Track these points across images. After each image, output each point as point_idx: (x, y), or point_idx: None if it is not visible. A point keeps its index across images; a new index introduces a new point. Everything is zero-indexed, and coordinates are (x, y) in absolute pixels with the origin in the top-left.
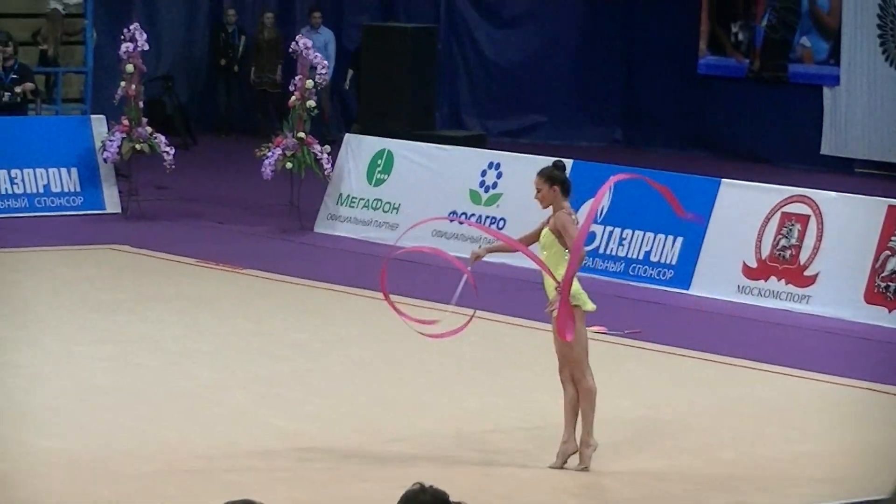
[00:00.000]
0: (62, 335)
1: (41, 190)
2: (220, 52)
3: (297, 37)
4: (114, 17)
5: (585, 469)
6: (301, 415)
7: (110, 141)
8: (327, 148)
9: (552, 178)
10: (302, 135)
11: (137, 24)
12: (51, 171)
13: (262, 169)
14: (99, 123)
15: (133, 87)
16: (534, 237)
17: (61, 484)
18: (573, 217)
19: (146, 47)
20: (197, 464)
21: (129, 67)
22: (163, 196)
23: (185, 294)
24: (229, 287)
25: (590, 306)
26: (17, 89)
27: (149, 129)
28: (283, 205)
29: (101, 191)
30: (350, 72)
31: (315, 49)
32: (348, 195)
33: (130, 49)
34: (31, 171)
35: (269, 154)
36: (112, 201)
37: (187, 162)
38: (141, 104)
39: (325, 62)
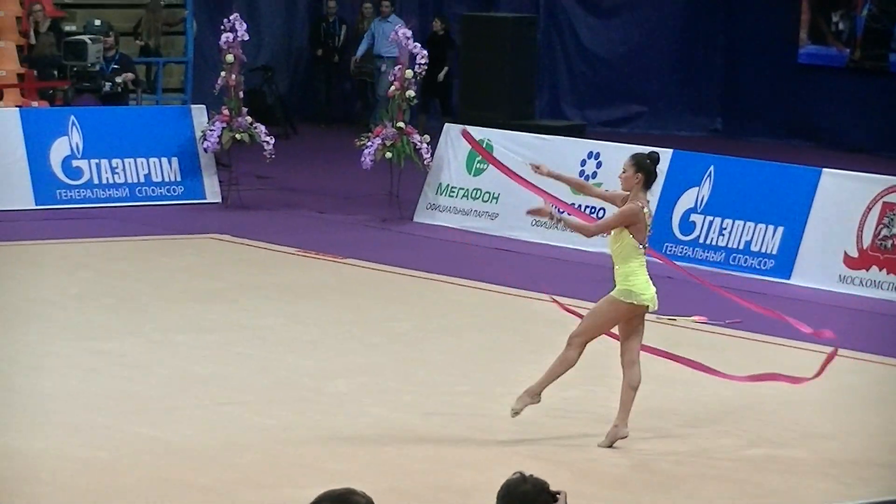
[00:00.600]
0: (164, 324)
1: (142, 179)
2: (319, 43)
3: (396, 26)
4: (214, 8)
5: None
6: (401, 404)
7: (210, 131)
8: (426, 138)
9: (639, 165)
10: (401, 124)
11: (237, 14)
12: (151, 160)
13: (362, 159)
14: (199, 113)
15: (233, 77)
16: (607, 197)
17: (162, 472)
18: (641, 212)
19: (246, 37)
20: (297, 452)
21: (230, 57)
22: (263, 186)
23: (285, 284)
24: (329, 277)
25: (646, 302)
26: (119, 79)
27: (249, 118)
28: (383, 194)
29: (202, 180)
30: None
31: (384, 38)
32: (448, 185)
33: (230, 39)
34: (132, 160)
35: (369, 144)
36: (212, 191)
37: (287, 152)
38: (241, 94)
39: (425, 52)
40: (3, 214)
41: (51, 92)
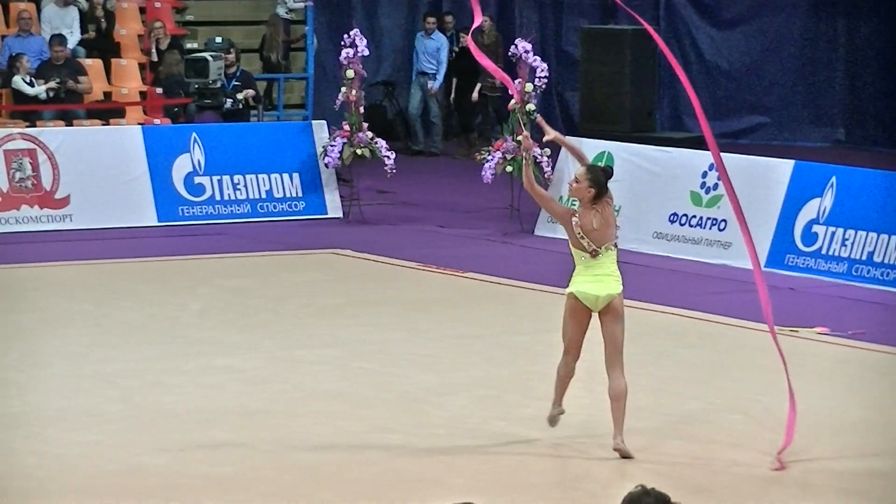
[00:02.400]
0: (284, 340)
1: (263, 195)
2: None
3: (517, 40)
4: (334, 24)
5: None
6: (522, 417)
7: (331, 146)
8: (547, 151)
9: (596, 182)
10: (521, 138)
11: (357, 30)
12: (273, 176)
13: (483, 172)
14: (320, 129)
15: (353, 92)
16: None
17: (283, 487)
18: (571, 219)
19: (366, 53)
20: (418, 467)
21: (350, 73)
22: (384, 200)
23: (407, 298)
24: (450, 291)
25: (581, 295)
26: (240, 96)
27: (369, 134)
28: (504, 208)
29: (323, 196)
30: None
31: (427, 55)
32: (568, 198)
33: (351, 55)
34: (253, 176)
35: (490, 158)
36: (334, 206)
37: (407, 166)
38: (361, 109)
39: (545, 66)
40: (126, 231)
41: (175, 109)
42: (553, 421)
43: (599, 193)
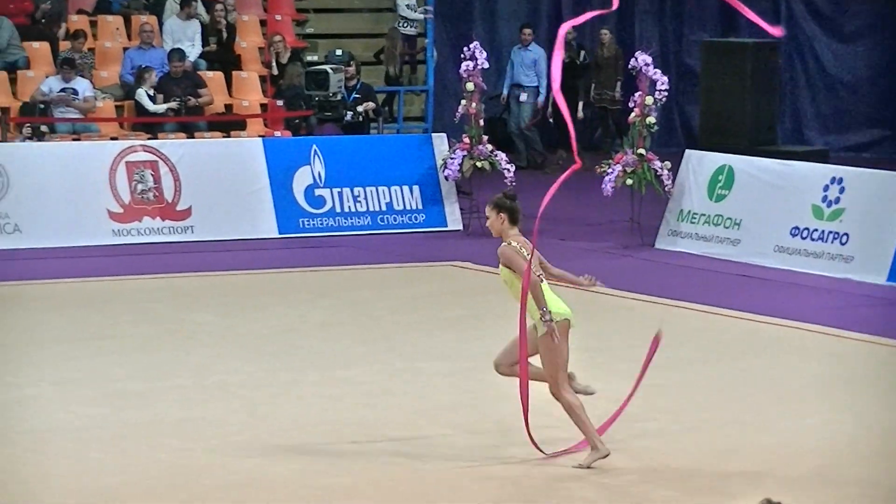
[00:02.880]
0: (405, 352)
1: (384, 208)
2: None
3: (637, 53)
4: (454, 36)
5: (580, 466)
6: (646, 430)
7: (451, 159)
8: (667, 164)
9: (499, 206)
10: (642, 151)
11: (477, 42)
12: (393, 188)
13: (603, 185)
14: (440, 141)
15: (473, 105)
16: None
17: (401, 496)
18: (517, 245)
19: (486, 65)
20: (543, 480)
21: (470, 86)
22: None
23: None
24: (571, 304)
25: (565, 313)
26: (360, 108)
27: (489, 146)
28: (624, 221)
29: (443, 208)
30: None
31: (524, 67)
32: (689, 211)
33: (471, 67)
34: (373, 189)
35: (610, 171)
36: (453, 219)
37: (527, 179)
38: (481, 122)
39: (665, 78)
40: (247, 243)
41: (296, 121)
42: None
43: (512, 218)
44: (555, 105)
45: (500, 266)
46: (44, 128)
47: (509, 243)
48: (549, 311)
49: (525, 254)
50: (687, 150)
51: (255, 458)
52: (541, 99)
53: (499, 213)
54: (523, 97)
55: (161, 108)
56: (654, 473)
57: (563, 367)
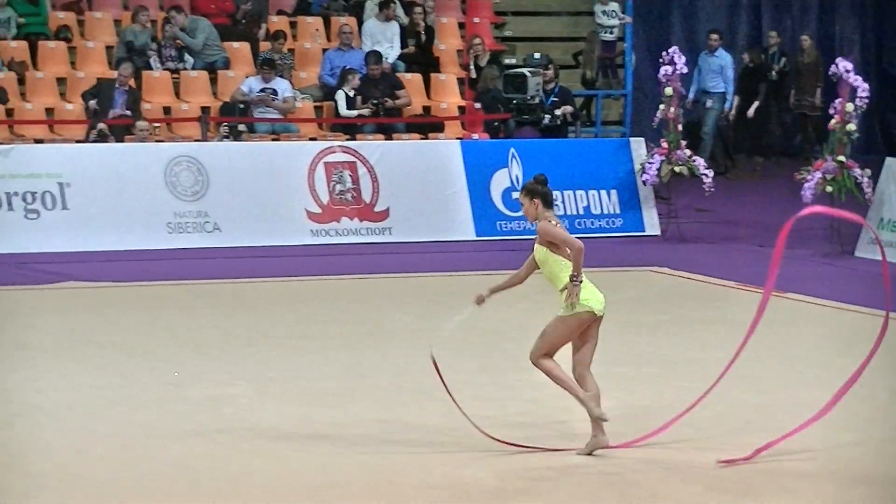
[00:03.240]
0: (603, 355)
1: (581, 212)
2: (754, 75)
3: (837, 59)
4: (653, 41)
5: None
6: (845, 443)
7: (650, 164)
8: (867, 172)
9: (532, 192)
10: (842, 158)
11: (676, 47)
12: (591, 192)
13: (802, 192)
14: (638, 146)
15: (672, 110)
16: (532, 263)
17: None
18: (553, 222)
19: (685, 70)
20: (744, 485)
21: (669, 90)
22: (702, 219)
23: (728, 318)
24: (771, 311)
25: (594, 304)
26: (558, 112)
27: (687, 151)
28: (824, 228)
29: (641, 213)
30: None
31: (710, 73)
32: (889, 219)
33: (669, 72)
34: (571, 192)
35: (809, 178)
36: (651, 223)
37: (726, 185)
38: (679, 127)
39: (866, 86)
40: (444, 245)
41: (494, 124)
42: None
43: (546, 202)
44: (739, 110)
45: (536, 246)
46: (241, 127)
47: (548, 220)
48: (581, 281)
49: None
50: (888, 159)
51: (454, 460)
52: (727, 105)
53: (532, 199)
54: (709, 103)
55: (353, 113)
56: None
57: (554, 347)
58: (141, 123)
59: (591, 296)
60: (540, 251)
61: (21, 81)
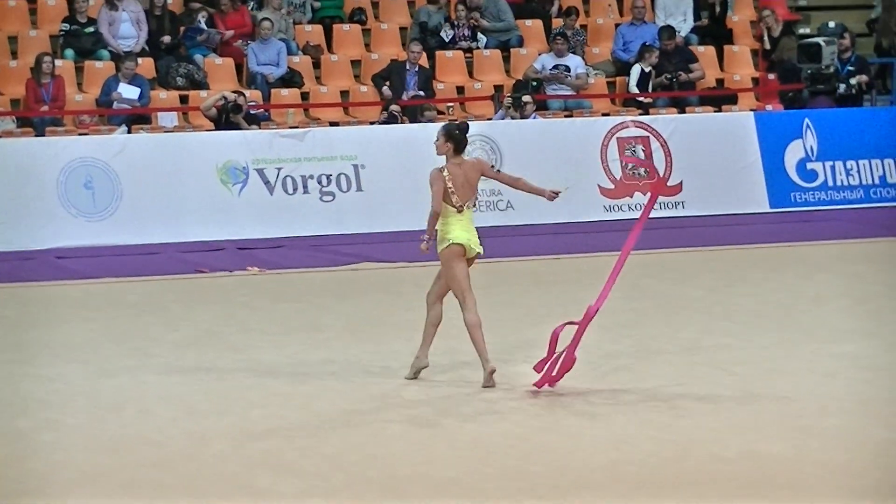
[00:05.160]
0: None
1: (877, 181)
2: None
3: None
4: None
5: (490, 386)
6: None
7: None
8: None
9: (448, 134)
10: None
11: None
12: (886, 161)
13: None
14: None
15: None
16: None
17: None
18: (439, 174)
19: None
20: None
21: None
22: None
23: None
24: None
25: (454, 241)
26: (853, 81)
27: None
28: None
29: None
30: None
31: None
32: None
33: None
34: (866, 162)
35: None
36: None
37: None
38: None
39: None
40: (737, 218)
41: (789, 95)
42: (417, 373)
43: (457, 148)
44: None
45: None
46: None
47: (441, 169)
48: (426, 239)
49: (449, 185)
50: None
51: (748, 434)
52: None
53: (446, 141)
54: None
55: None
56: None
57: (457, 284)
58: (428, 114)
59: (457, 235)
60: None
61: (316, 65)
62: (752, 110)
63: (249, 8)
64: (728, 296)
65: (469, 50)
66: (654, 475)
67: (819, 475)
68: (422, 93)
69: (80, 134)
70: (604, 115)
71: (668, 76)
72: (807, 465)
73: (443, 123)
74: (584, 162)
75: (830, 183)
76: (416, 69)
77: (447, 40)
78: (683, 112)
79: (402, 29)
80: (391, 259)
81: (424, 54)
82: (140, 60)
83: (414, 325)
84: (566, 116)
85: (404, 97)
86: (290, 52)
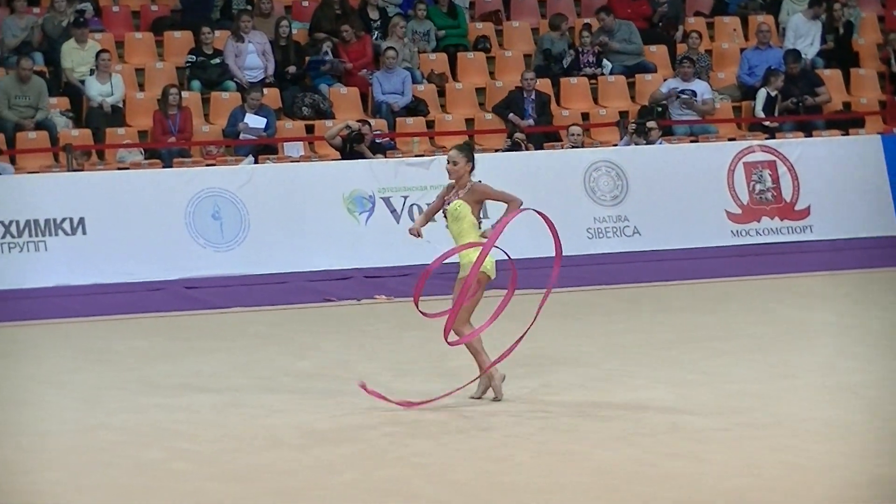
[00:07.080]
0: None
1: None
2: None
3: None
4: None
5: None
6: None
7: None
8: None
9: (471, 155)
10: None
11: None
12: None
13: None
14: None
15: None
16: (438, 208)
17: None
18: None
19: None
20: None
21: None
22: None
23: None
24: None
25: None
26: None
27: None
28: None
29: None
30: None
31: None
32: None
33: None
34: None
35: None
36: None
37: None
38: None
39: None
40: (867, 241)
41: None
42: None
43: (473, 168)
44: None
45: (459, 201)
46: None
47: (479, 181)
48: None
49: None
50: None
51: (877, 458)
52: None
53: (468, 161)
54: None
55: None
56: None
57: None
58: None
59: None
60: (462, 207)
61: (441, 93)
62: (879, 133)
63: (374, 38)
64: (859, 319)
65: (594, 76)
66: (784, 502)
67: None
68: (536, 119)
69: (207, 165)
70: (730, 139)
71: (794, 100)
72: None
73: (460, 146)
74: (711, 187)
75: None
76: (533, 96)
77: (566, 66)
78: (810, 136)
79: (527, 56)
80: (518, 286)
81: (545, 80)
82: (266, 91)
83: (530, 354)
84: (692, 142)
85: (524, 124)
86: (414, 81)
